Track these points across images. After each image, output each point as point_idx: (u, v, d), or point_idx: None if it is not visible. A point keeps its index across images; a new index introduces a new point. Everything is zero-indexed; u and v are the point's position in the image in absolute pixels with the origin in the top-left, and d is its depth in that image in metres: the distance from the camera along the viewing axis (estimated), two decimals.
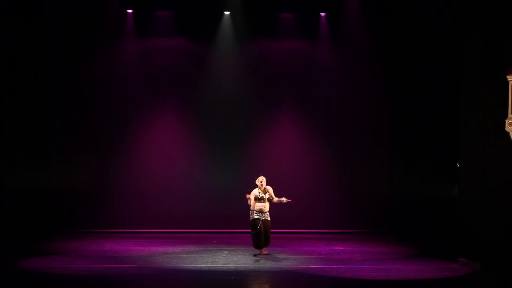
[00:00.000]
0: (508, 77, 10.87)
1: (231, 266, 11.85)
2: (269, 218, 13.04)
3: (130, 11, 16.75)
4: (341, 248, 14.24)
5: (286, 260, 12.64)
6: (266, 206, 13.00)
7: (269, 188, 13.13)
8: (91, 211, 16.55)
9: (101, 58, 16.72)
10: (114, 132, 16.81)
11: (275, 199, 13.10)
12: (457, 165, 12.82)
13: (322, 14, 16.96)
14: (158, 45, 16.98)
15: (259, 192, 12.99)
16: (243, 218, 13.59)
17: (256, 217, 12.93)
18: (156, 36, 16.92)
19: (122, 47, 16.84)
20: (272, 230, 13.47)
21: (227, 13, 16.87)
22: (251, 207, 12.96)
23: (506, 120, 10.93)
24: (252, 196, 12.98)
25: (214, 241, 14.85)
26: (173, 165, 16.89)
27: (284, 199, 13.10)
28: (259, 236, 12.87)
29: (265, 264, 12.11)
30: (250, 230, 13.10)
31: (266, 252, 13.10)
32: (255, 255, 12.90)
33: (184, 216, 16.67)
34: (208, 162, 16.88)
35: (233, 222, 15.84)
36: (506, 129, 10.94)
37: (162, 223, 16.60)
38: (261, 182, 13.01)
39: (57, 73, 16.52)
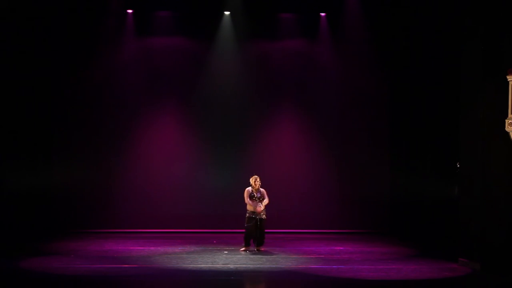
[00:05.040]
0: (508, 77, 10.87)
1: (231, 266, 11.85)
2: (264, 217, 13.32)
3: (130, 11, 16.74)
4: (341, 248, 14.24)
5: (286, 260, 12.64)
6: (260, 205, 13.29)
7: (263, 191, 13.43)
8: (91, 211, 16.55)
9: (101, 58, 16.71)
10: (114, 132, 16.81)
11: (265, 200, 13.37)
12: (457, 165, 12.82)
13: (322, 14, 16.95)
14: (158, 45, 16.97)
15: (253, 191, 13.30)
16: (243, 218, 13.61)
17: (251, 216, 13.33)
18: (156, 36, 16.91)
19: (122, 47, 16.82)
20: (272, 230, 13.57)
21: (227, 13, 16.86)
22: (247, 203, 13.40)
23: (506, 120, 10.92)
24: (245, 193, 13.38)
25: (214, 241, 14.85)
26: (173, 165, 16.88)
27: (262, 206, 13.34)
28: (250, 234, 13.30)
29: (265, 264, 12.11)
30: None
31: (263, 249, 13.35)
32: (242, 250, 13.30)
33: (184, 216, 16.67)
34: (208, 162, 16.88)
35: (233, 222, 15.81)
36: (506, 129, 10.93)
37: (162, 223, 16.59)
38: (255, 181, 13.34)
39: (57, 73, 16.52)
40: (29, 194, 15.20)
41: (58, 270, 11.37)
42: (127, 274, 11.13)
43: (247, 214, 13.38)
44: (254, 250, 13.32)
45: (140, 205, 16.71)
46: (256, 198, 13.32)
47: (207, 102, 16.97)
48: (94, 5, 16.40)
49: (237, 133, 16.93)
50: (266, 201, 13.37)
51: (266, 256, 12.90)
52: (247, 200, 13.37)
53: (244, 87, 16.99)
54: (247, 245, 13.43)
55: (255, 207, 13.29)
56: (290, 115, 17.16)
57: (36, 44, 15.66)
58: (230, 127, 16.92)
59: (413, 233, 15.49)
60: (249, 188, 13.42)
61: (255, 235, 13.33)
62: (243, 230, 13.53)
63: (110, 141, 16.77)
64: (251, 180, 13.42)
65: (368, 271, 11.44)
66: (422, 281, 10.84)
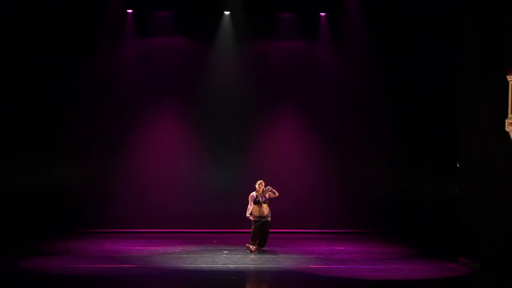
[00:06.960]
0: (508, 77, 10.85)
1: (231, 266, 11.85)
2: (269, 219, 13.40)
3: (130, 11, 16.74)
4: (341, 248, 14.24)
5: (286, 260, 12.65)
6: (264, 209, 13.32)
7: (269, 189, 13.43)
8: (91, 211, 16.55)
9: (101, 58, 16.71)
10: (114, 132, 16.80)
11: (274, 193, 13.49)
12: (457, 165, 12.82)
13: (322, 14, 16.96)
14: (158, 45, 16.97)
15: (257, 196, 13.38)
16: (243, 218, 13.60)
17: (256, 219, 13.39)
18: (156, 36, 16.91)
19: (122, 47, 16.82)
20: (272, 230, 13.61)
21: (227, 13, 16.87)
22: (247, 212, 13.42)
23: (506, 120, 10.91)
24: (250, 199, 13.41)
25: (214, 241, 14.85)
26: (173, 165, 16.87)
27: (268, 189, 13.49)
28: (254, 235, 13.34)
29: (265, 264, 12.12)
30: (250, 230, 13.56)
31: (263, 249, 13.43)
32: (248, 245, 13.36)
33: (184, 216, 16.67)
34: (208, 162, 16.87)
35: (233, 222, 15.84)
36: (506, 129, 10.92)
37: (162, 223, 16.59)
38: (259, 185, 13.41)
39: (57, 73, 16.52)
40: (29, 194, 15.20)
41: (58, 270, 11.38)
42: (127, 274, 11.13)
43: (252, 218, 13.43)
44: (256, 250, 13.31)
45: (140, 205, 16.71)
46: (261, 202, 13.34)
47: (207, 102, 16.96)
48: (94, 5, 16.40)
49: (237, 133, 16.93)
50: (276, 194, 13.44)
51: (266, 256, 12.90)
52: (250, 205, 13.36)
53: (244, 87, 16.98)
54: (252, 245, 13.41)
55: (260, 211, 13.34)
56: (290, 115, 17.16)
57: (36, 43, 15.66)
58: (230, 127, 16.91)
59: (413, 233, 15.48)
60: (254, 193, 13.44)
61: (258, 236, 13.34)
62: (243, 230, 13.55)
63: (110, 141, 16.75)
64: (256, 185, 13.45)
65: (368, 271, 11.44)
66: (422, 281, 10.85)
